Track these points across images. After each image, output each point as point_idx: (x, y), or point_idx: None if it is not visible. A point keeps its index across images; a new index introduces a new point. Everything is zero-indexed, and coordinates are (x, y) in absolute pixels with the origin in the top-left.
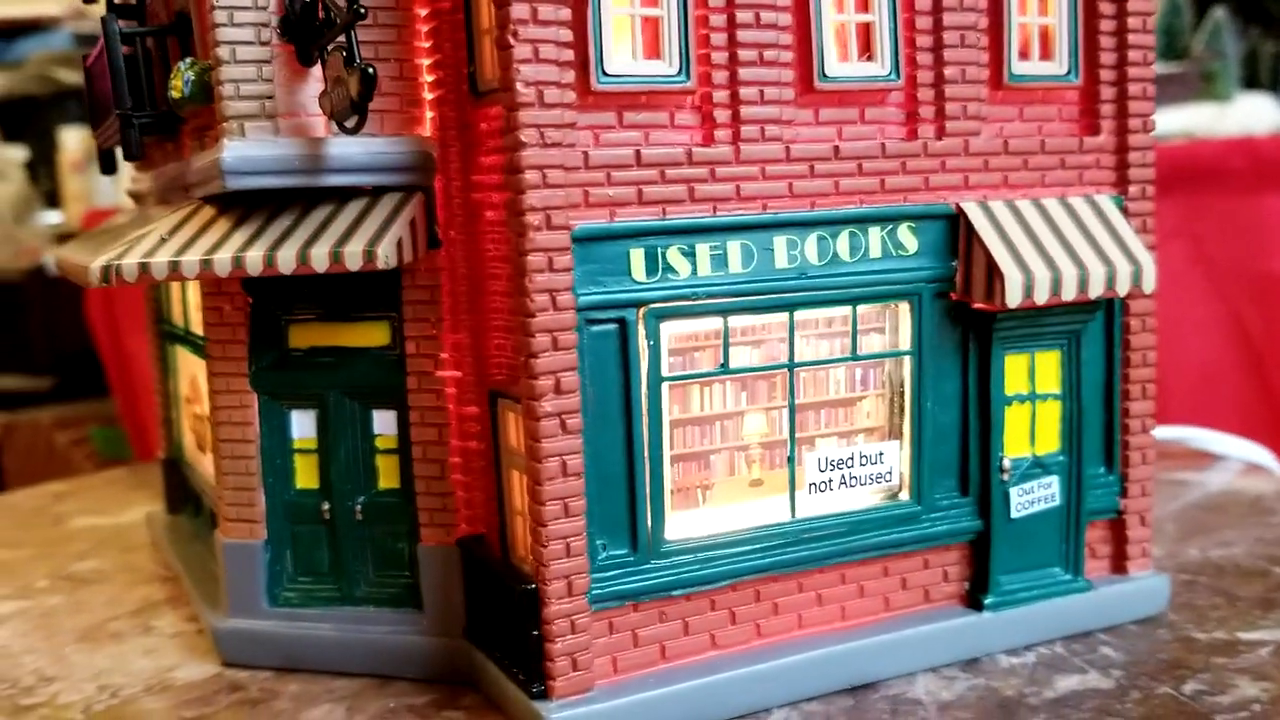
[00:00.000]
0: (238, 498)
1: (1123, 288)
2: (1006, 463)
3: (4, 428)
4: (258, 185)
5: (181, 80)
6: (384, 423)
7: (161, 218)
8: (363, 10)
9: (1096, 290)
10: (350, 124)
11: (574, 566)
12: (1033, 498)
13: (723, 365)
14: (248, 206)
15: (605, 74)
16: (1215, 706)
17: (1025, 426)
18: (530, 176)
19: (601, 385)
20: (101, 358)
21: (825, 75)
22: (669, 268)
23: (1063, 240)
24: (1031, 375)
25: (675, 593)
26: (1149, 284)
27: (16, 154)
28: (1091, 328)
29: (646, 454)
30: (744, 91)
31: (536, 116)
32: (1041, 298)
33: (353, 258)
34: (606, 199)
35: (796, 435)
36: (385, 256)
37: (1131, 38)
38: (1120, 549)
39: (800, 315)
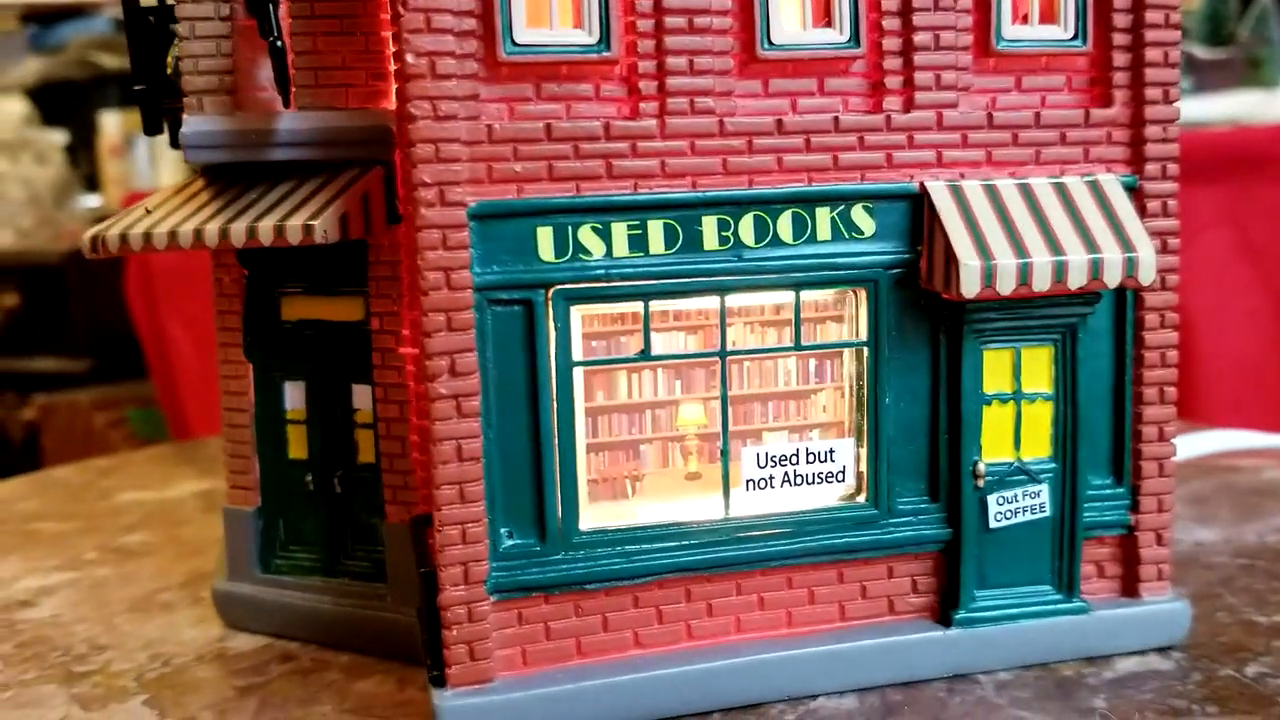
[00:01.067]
0: (235, 465)
1: (1112, 279)
2: (981, 467)
3: (43, 409)
4: (217, 160)
5: (171, 57)
6: (361, 397)
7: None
8: None
9: (1077, 281)
10: (284, 97)
11: (471, 554)
12: (1016, 507)
13: (643, 352)
14: (229, 180)
15: (514, 44)
16: (1279, 689)
17: (1008, 429)
18: (421, 150)
19: (507, 369)
20: (140, 340)
21: (770, 43)
22: (581, 247)
23: (1044, 225)
24: (1016, 373)
25: (590, 586)
26: (1146, 275)
27: (56, 138)
28: (1093, 322)
29: (556, 441)
30: (671, 61)
31: (427, 88)
32: (1006, 288)
33: (293, 231)
34: (513, 174)
35: (731, 428)
36: (323, 231)
37: None
38: (1132, 569)
39: (735, 300)
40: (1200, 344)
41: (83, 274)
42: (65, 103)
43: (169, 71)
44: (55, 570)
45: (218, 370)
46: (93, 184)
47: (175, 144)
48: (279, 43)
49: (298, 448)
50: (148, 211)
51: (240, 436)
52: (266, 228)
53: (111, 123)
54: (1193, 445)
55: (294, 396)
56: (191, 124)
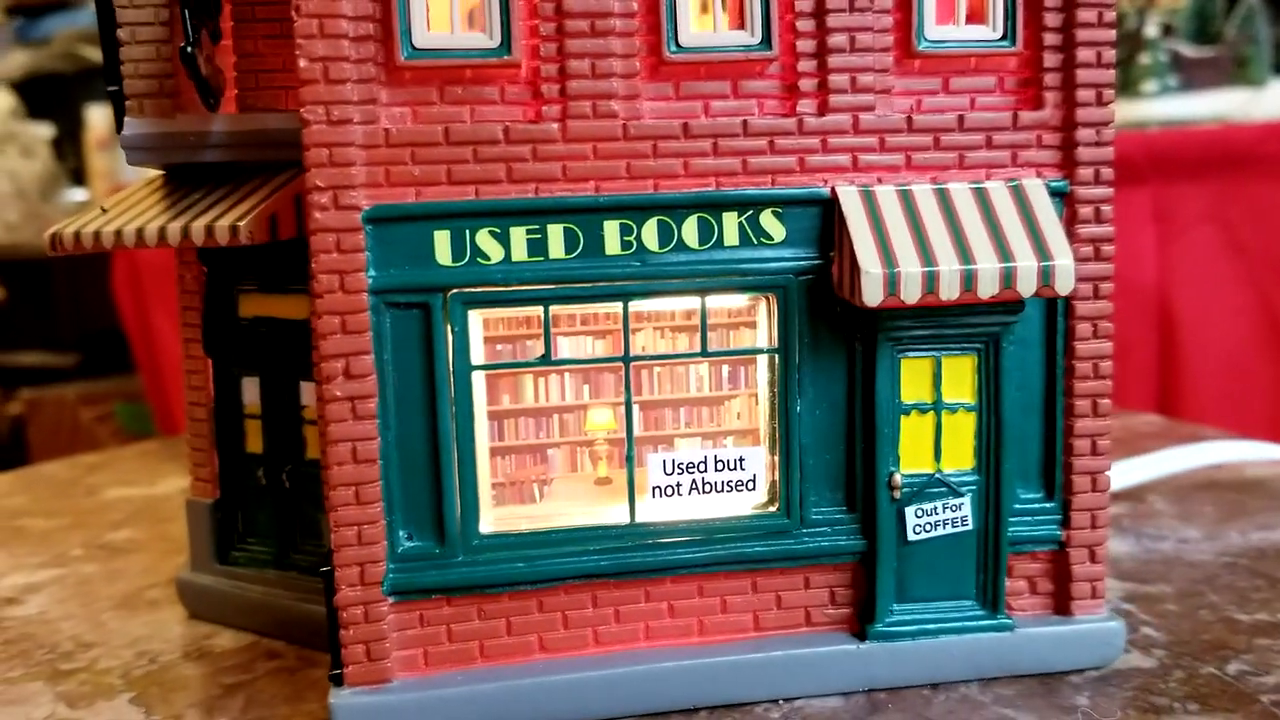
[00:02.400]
0: (196, 457)
1: (1026, 288)
2: (897, 478)
3: (29, 403)
4: (156, 161)
5: None
6: (310, 394)
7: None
8: None
9: (988, 290)
10: (205, 102)
11: (367, 554)
12: (935, 520)
13: (544, 356)
14: (184, 180)
15: (413, 48)
16: (1261, 687)
17: (928, 439)
18: (315, 154)
19: (405, 372)
20: (127, 335)
21: (678, 46)
22: (479, 251)
23: (956, 232)
24: (937, 382)
25: (492, 590)
26: (1064, 284)
27: (43, 131)
28: (1023, 332)
29: (455, 444)
30: (573, 65)
31: (320, 93)
32: (911, 297)
33: (221, 232)
34: (411, 178)
35: (640, 433)
36: (248, 231)
37: None
38: (1064, 586)
39: (641, 306)
40: (1185, 340)
41: (69, 269)
42: (51, 96)
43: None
44: (41, 567)
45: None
46: (79, 177)
47: None
48: (189, 49)
49: (254, 442)
50: (103, 210)
51: (200, 430)
52: (198, 228)
53: (98, 116)
54: (1183, 458)
55: (250, 391)
56: (131, 126)
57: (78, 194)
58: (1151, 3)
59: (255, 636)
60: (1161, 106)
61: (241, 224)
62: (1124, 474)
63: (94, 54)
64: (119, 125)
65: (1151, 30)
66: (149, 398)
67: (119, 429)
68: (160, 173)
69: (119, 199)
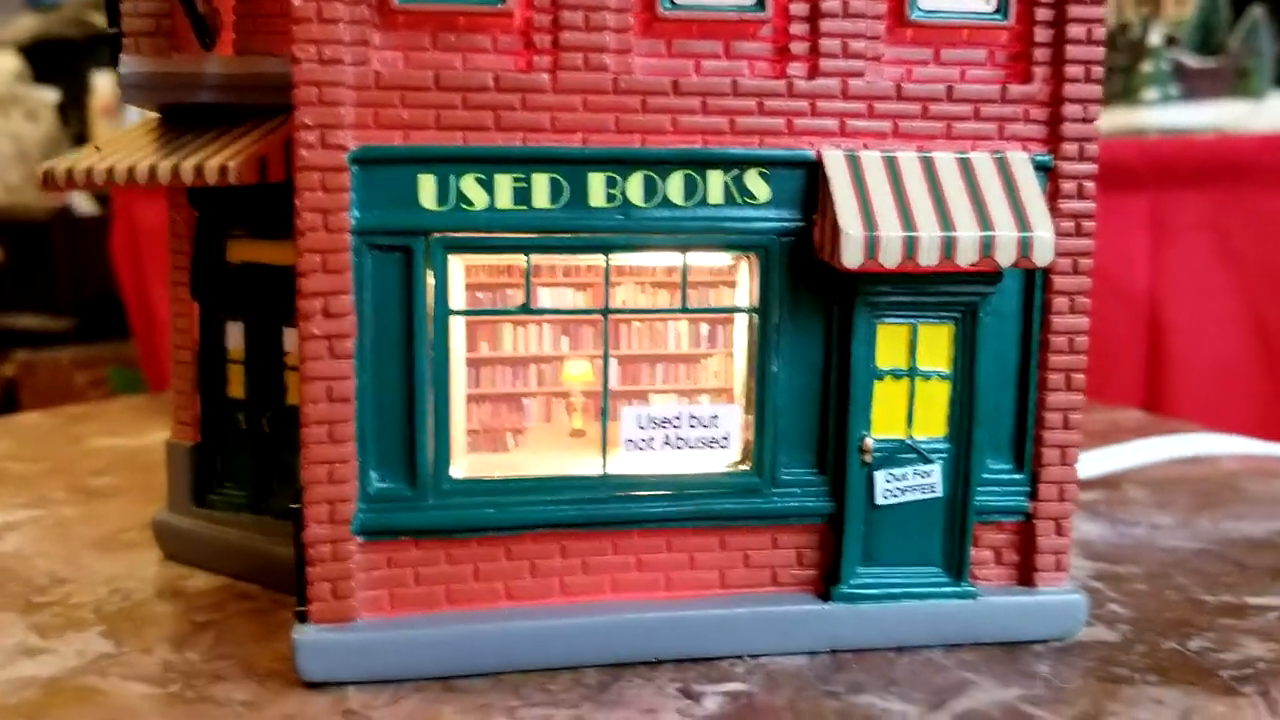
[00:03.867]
0: (180, 400)
1: (1005, 257)
2: (868, 442)
3: (24, 365)
4: (151, 101)
5: None
6: (292, 340)
7: None
8: None
9: (967, 258)
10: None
11: (337, 493)
12: (905, 485)
13: (524, 305)
14: (179, 123)
15: None
16: (1221, 663)
17: (901, 406)
18: (304, 92)
19: (384, 314)
20: (124, 301)
21: (672, 3)
22: (463, 197)
23: (939, 200)
24: (912, 349)
25: (460, 534)
26: (1043, 255)
27: (48, 96)
28: (1001, 304)
29: (431, 388)
30: (566, 16)
31: (313, 32)
32: (890, 261)
33: (210, 172)
34: (399, 121)
35: (616, 387)
36: (237, 172)
37: None
38: (1029, 558)
39: (623, 259)
40: (1175, 345)
41: (68, 232)
42: (59, 61)
43: None
44: (21, 508)
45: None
46: (82, 142)
47: None
48: None
49: (236, 387)
50: (97, 149)
51: (184, 373)
52: (188, 167)
53: (104, 83)
54: (1161, 449)
55: (235, 337)
56: (128, 64)
57: None
58: (1156, 12)
59: (229, 579)
60: (1162, 115)
61: (231, 164)
62: (1101, 461)
63: (102, 20)
64: (116, 65)
65: (1155, 39)
66: (143, 364)
67: (112, 394)
68: (156, 116)
69: (113, 139)
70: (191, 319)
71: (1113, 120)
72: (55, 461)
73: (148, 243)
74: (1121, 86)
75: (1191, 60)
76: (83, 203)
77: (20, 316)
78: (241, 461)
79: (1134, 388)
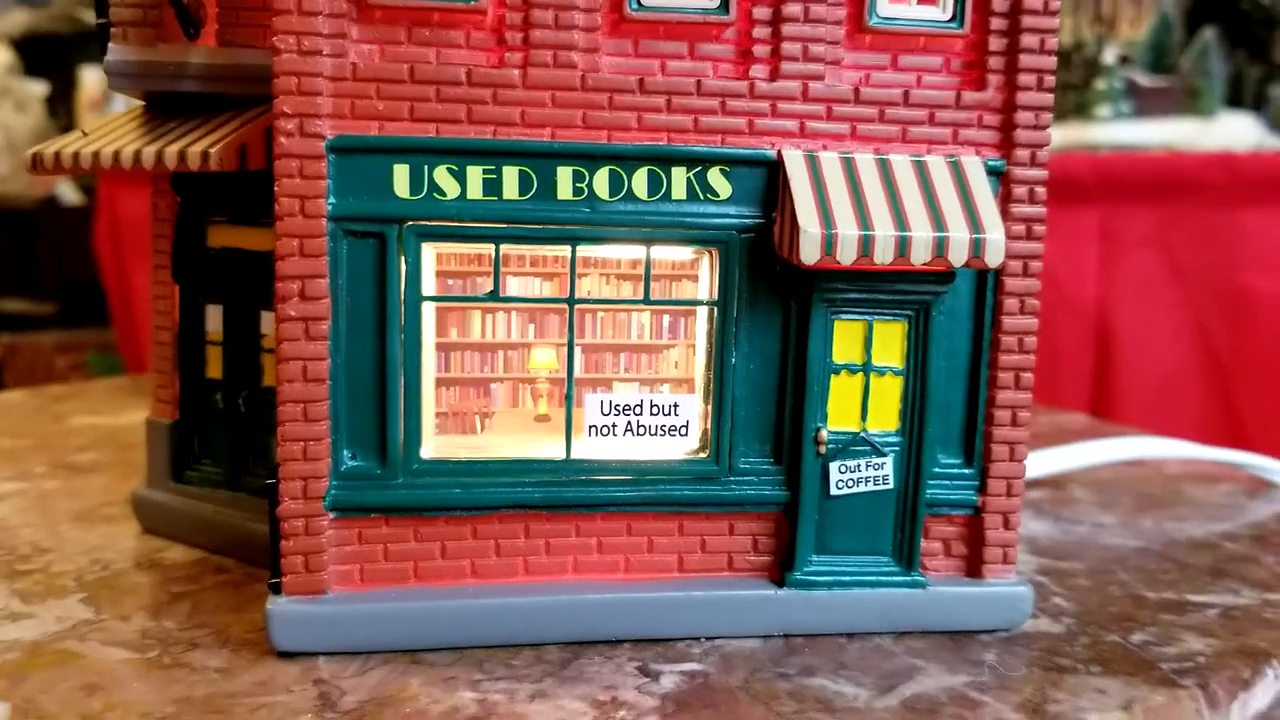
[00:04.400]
0: (159, 379)
1: (957, 257)
2: (823, 434)
3: (7, 348)
4: (137, 88)
5: None
6: (269, 323)
7: None
8: None
9: (921, 257)
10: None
11: (311, 470)
12: (858, 476)
13: (492, 293)
14: (164, 110)
15: None
16: (1162, 656)
17: (855, 399)
18: (284, 82)
19: (358, 298)
20: (105, 288)
21: (639, 4)
22: (435, 187)
23: (895, 201)
24: (867, 345)
25: (429, 513)
26: (993, 257)
27: (37, 88)
28: (953, 303)
29: (402, 371)
30: (536, 14)
31: (293, 24)
32: (846, 258)
33: (193, 157)
34: (375, 112)
35: (579, 375)
36: (218, 158)
37: None
38: (977, 550)
39: (589, 251)
40: (1123, 357)
41: (54, 220)
42: (48, 55)
43: None
44: (6, 480)
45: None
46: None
47: None
48: None
49: (214, 368)
50: (84, 134)
51: (164, 354)
52: (171, 153)
53: (92, 77)
54: (1106, 451)
55: (214, 319)
56: (115, 53)
57: None
58: (1111, 31)
59: (204, 552)
60: (1114, 131)
61: (213, 151)
62: (1047, 462)
63: (91, 17)
64: (105, 54)
65: (1109, 57)
66: (121, 349)
67: (91, 377)
68: (141, 104)
69: (100, 125)
70: (172, 301)
71: (1066, 135)
72: (39, 438)
73: (129, 232)
74: (1075, 103)
75: (1143, 79)
76: (68, 192)
77: (5, 301)
78: (218, 440)
79: (1081, 395)
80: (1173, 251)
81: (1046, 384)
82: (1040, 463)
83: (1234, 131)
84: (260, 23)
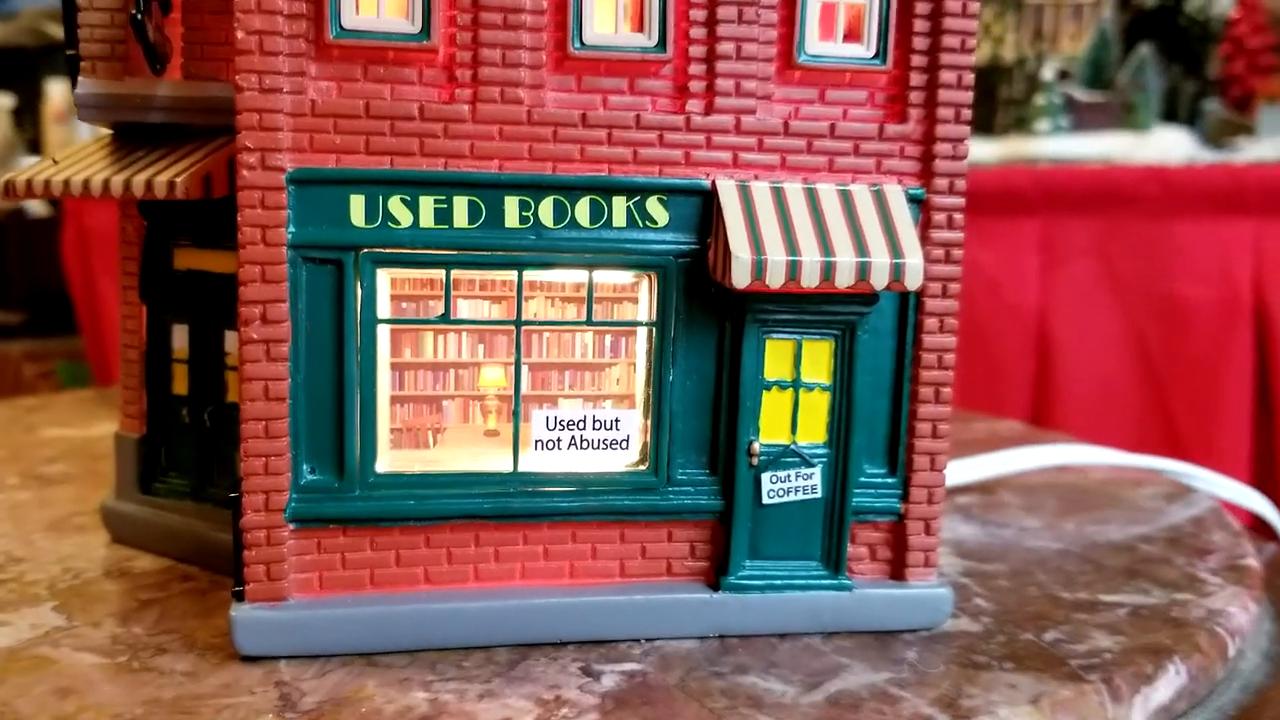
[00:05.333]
0: (127, 395)
1: (879, 281)
2: (756, 446)
3: None
4: (105, 119)
5: None
6: (233, 342)
7: None
8: None
9: (845, 280)
10: (151, 66)
11: (272, 484)
12: (788, 486)
13: (443, 315)
14: (130, 139)
15: (341, 28)
16: (1071, 653)
17: (786, 414)
18: (246, 118)
19: (317, 321)
20: (73, 298)
21: (582, 43)
22: (389, 216)
23: (821, 228)
24: (797, 362)
25: (384, 523)
26: (913, 280)
27: (4, 101)
28: (877, 323)
29: (359, 390)
30: (485, 53)
31: (254, 63)
32: (775, 282)
33: (159, 187)
34: (332, 145)
35: (526, 392)
36: (184, 188)
37: (949, 22)
38: (901, 555)
39: (534, 275)
40: (1062, 363)
41: (20, 232)
42: (14, 68)
43: None
44: None
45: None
46: (35, 148)
47: None
48: (138, 16)
49: (180, 384)
50: (54, 162)
51: (132, 370)
52: (139, 181)
53: (58, 90)
54: (1034, 457)
55: (179, 338)
56: (84, 85)
57: (32, 162)
58: (1053, 47)
59: (171, 561)
60: (1053, 145)
61: (178, 180)
62: (978, 468)
63: (57, 30)
64: (74, 85)
65: (1048, 74)
66: (89, 358)
67: (59, 386)
68: (109, 132)
69: (70, 152)
70: (140, 320)
71: (1008, 149)
72: (10, 449)
73: (96, 245)
74: (1016, 117)
75: (1081, 94)
76: (35, 205)
77: None
78: (184, 453)
79: (1023, 399)
80: (1110, 261)
81: (989, 389)
82: (969, 469)
83: (1168, 145)
84: (223, 57)
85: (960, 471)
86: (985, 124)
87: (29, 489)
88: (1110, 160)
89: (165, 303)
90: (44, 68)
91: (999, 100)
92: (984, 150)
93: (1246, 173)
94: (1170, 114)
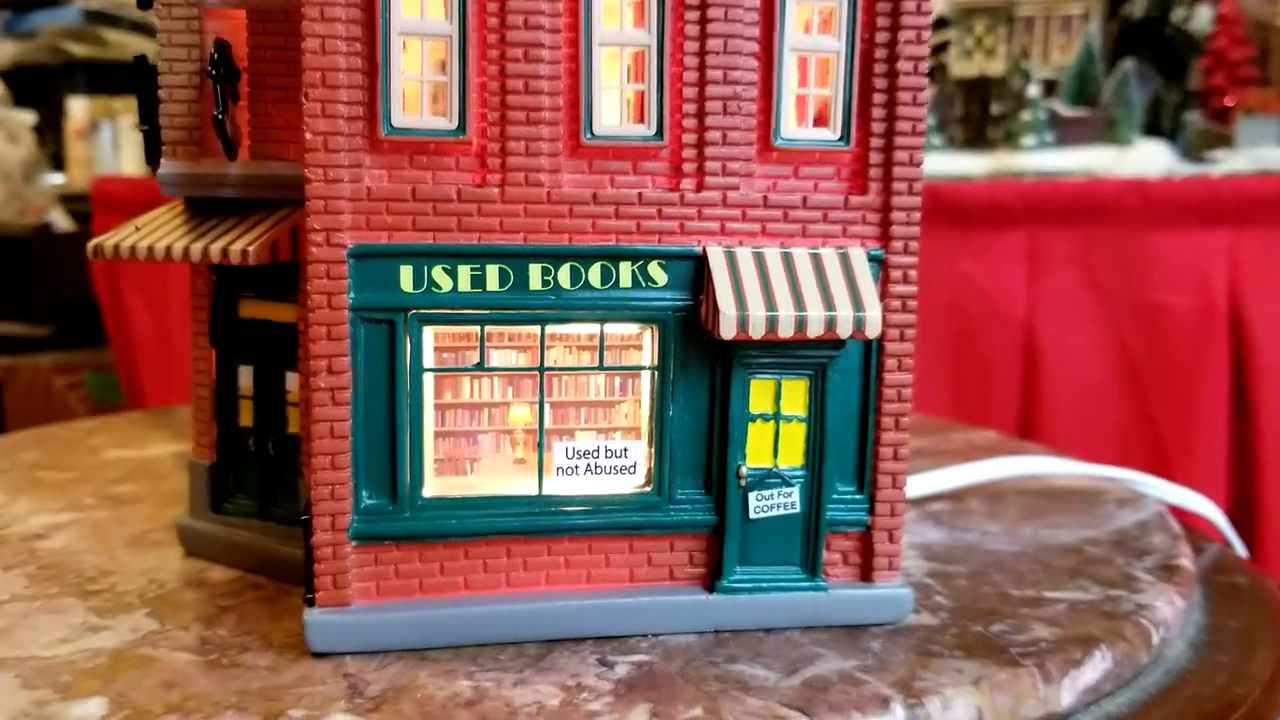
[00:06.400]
0: (199, 428)
1: (844, 331)
2: (743, 470)
3: (6, 370)
4: (183, 194)
5: None
6: (292, 382)
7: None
8: (210, 70)
9: (816, 331)
10: (228, 154)
11: (338, 508)
12: (772, 503)
13: (478, 364)
14: (201, 208)
15: (391, 126)
16: (1013, 642)
17: (768, 442)
18: (313, 204)
19: (373, 370)
20: (101, 312)
21: (592, 134)
22: (433, 282)
23: (795, 286)
24: (777, 398)
25: (430, 539)
26: (872, 330)
27: (26, 118)
28: (845, 363)
29: (409, 428)
30: (511, 145)
31: (320, 159)
32: (757, 334)
33: (234, 254)
34: (385, 224)
35: (548, 427)
36: (256, 255)
37: (901, 110)
38: (868, 560)
39: (553, 329)
40: (1047, 369)
41: (47, 247)
42: (36, 86)
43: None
44: (61, 511)
45: (189, 353)
46: (58, 163)
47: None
48: (219, 116)
49: (246, 417)
50: (137, 229)
51: (204, 406)
52: (215, 249)
53: (79, 107)
54: (1005, 468)
55: (245, 377)
56: (166, 166)
57: (57, 178)
58: (1044, 59)
59: (241, 572)
60: (1038, 159)
61: (250, 249)
62: (949, 479)
63: (76, 49)
64: (150, 158)
65: (1033, 90)
66: (118, 368)
67: (87, 396)
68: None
69: (149, 219)
70: (209, 362)
71: (996, 163)
72: (80, 471)
73: (123, 262)
74: (1003, 133)
75: (1065, 110)
76: (60, 220)
77: (2, 324)
78: (250, 478)
79: (1012, 405)
80: (1093, 271)
81: (980, 395)
82: (942, 480)
83: (1147, 159)
84: (284, 139)
85: (933, 482)
86: (978, 136)
87: (104, 508)
88: (1093, 174)
89: (232, 347)
90: (65, 85)
91: (989, 117)
92: (974, 164)
93: (1221, 185)
94: (1154, 126)
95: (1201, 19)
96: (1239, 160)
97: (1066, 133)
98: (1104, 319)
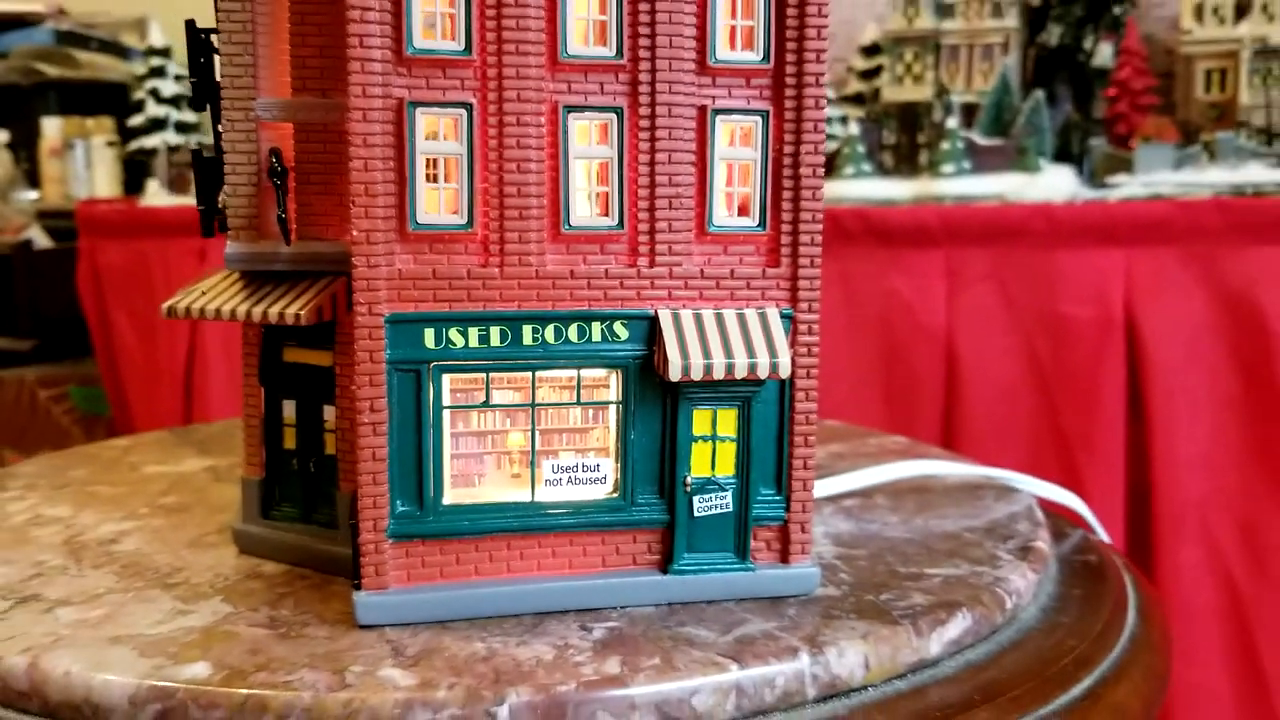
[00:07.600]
0: (250, 450)
1: (763, 373)
2: (688, 480)
3: None
4: (247, 268)
5: (222, 192)
6: (329, 413)
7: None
8: (274, 178)
9: (741, 373)
10: (285, 239)
11: (379, 514)
12: (711, 504)
13: (484, 401)
14: (255, 277)
15: (417, 222)
16: (895, 607)
17: (708, 457)
18: (359, 283)
19: (405, 408)
20: (87, 323)
21: (569, 224)
22: (449, 341)
23: (725, 339)
24: (714, 424)
25: (449, 537)
26: (784, 372)
27: (1, 137)
28: (766, 395)
29: (432, 452)
30: (508, 234)
31: (364, 250)
32: (696, 376)
33: (288, 317)
34: (412, 297)
35: (538, 448)
36: (306, 319)
37: (804, 204)
38: (785, 546)
39: (541, 374)
40: (966, 375)
41: (28, 263)
42: (7, 105)
43: (219, 201)
44: (123, 520)
45: (241, 391)
46: (35, 180)
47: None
48: (282, 216)
49: (290, 441)
50: (203, 293)
51: (254, 433)
52: (274, 312)
53: (52, 126)
54: (907, 469)
55: (289, 410)
56: (231, 247)
57: (32, 195)
58: (968, 85)
59: (289, 566)
60: (956, 185)
61: (301, 312)
62: (859, 480)
63: (48, 70)
64: (205, 231)
65: (952, 122)
66: (104, 381)
67: (73, 408)
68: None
69: (211, 285)
70: (259, 398)
71: (919, 188)
72: (128, 486)
73: (109, 281)
74: (926, 161)
75: (980, 139)
76: (40, 238)
77: None
78: (293, 490)
79: (934, 412)
80: (1005, 286)
81: (907, 400)
82: (852, 481)
83: (1054, 184)
84: (324, 224)
85: (846, 483)
86: (904, 162)
87: (158, 516)
88: (1004, 198)
89: (278, 385)
90: (38, 105)
91: (915, 145)
92: (900, 190)
93: (1118, 209)
94: (1064, 150)
95: (1104, 54)
96: (1134, 185)
97: (981, 160)
98: (1015, 329)
